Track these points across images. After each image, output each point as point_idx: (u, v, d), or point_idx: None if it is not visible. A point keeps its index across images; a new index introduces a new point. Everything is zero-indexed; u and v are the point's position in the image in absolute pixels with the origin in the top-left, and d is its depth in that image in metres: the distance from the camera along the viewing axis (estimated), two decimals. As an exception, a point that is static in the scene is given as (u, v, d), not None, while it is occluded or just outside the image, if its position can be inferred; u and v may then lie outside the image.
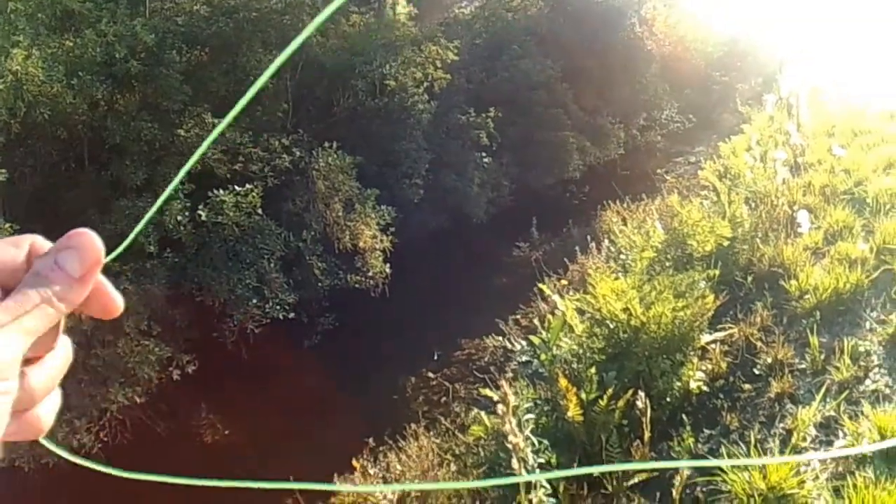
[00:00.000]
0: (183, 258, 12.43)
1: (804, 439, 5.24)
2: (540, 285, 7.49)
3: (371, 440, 6.77)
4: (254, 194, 12.53)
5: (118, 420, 10.86)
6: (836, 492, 4.51)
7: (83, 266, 0.69)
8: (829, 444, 5.23)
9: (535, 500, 4.30)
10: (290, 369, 11.83)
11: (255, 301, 12.34)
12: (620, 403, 5.35)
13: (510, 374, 6.89)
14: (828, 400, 5.58)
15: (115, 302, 0.75)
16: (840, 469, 4.87)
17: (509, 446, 4.13)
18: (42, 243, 0.71)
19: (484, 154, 19.12)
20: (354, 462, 5.55)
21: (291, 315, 12.69)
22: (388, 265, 14.05)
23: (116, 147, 12.24)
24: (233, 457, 10.37)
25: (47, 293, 0.67)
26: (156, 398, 10.93)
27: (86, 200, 12.00)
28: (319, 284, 13.57)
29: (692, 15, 34.22)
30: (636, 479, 5.15)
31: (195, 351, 11.37)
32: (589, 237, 11.33)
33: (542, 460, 4.49)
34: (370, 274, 14.04)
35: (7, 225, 10.22)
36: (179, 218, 12.02)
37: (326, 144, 14.68)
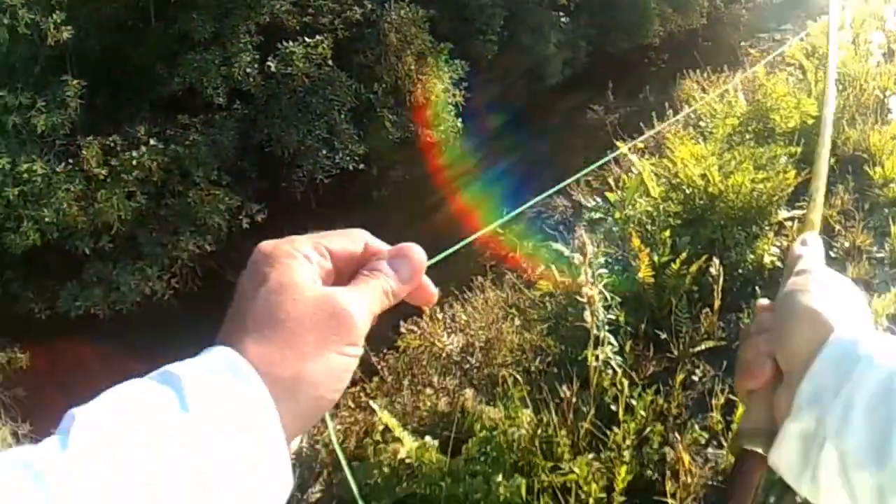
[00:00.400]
0: (252, 110, 12.44)
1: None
2: (617, 143, 7.31)
3: (438, 290, 6.78)
4: (324, 45, 12.39)
5: (189, 268, 11.12)
6: None
7: (411, 274, 0.86)
8: (901, 336, 5.13)
9: (601, 357, 4.30)
10: (358, 220, 11.87)
11: (324, 151, 12.36)
12: (693, 268, 5.28)
13: (580, 234, 6.83)
14: (902, 295, 5.44)
15: (432, 295, 0.93)
16: None
17: (581, 298, 4.10)
18: (373, 241, 0.88)
19: (561, 14, 18.54)
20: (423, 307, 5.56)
21: (361, 166, 12.70)
22: (459, 120, 13.86)
23: (183, 2, 12.05)
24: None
25: (387, 287, 0.82)
26: (226, 246, 11.12)
27: (153, 56, 11.97)
28: (390, 137, 13.49)
29: None
30: (703, 347, 5.12)
31: (264, 200, 11.48)
32: (667, 104, 10.95)
33: (611, 316, 4.46)
34: (441, 128, 13.88)
35: (75, 82, 10.26)
36: (248, 70, 11.97)
37: (398, -4, 14.35)
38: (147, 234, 11.02)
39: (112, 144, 10.58)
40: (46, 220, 9.76)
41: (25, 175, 9.73)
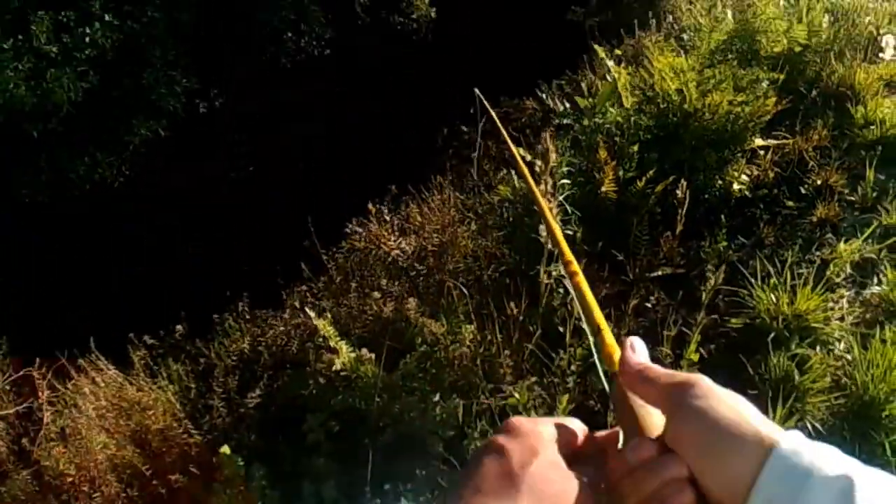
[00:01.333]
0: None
1: (838, 275, 5.00)
2: (595, 47, 6.97)
3: (394, 187, 6.50)
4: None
5: (140, 154, 10.68)
6: (863, 340, 4.29)
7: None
8: (863, 286, 5.01)
9: (554, 273, 4.07)
10: (319, 107, 11.47)
11: (290, 34, 11.78)
12: (658, 188, 5.02)
13: (547, 138, 6.54)
14: (871, 240, 5.29)
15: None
16: (869, 316, 4.68)
17: (538, 209, 3.83)
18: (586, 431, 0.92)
19: None
20: (369, 205, 5.30)
21: (327, 52, 12.17)
22: (433, 9, 13.27)
23: None
24: (259, 184, 10.30)
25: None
26: (181, 131, 10.66)
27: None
28: (359, 22, 12.89)
29: None
30: (660, 272, 4.92)
31: (223, 84, 11.00)
32: (650, 13, 10.57)
33: (568, 232, 4.20)
34: (414, 16, 13.28)
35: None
36: (214, -59, 11.28)
37: None
38: (94, 117, 10.50)
39: (65, 20, 9.97)
40: (-7, 100, 9.25)
41: (-31, 51, 9.22)
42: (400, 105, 11.50)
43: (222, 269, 8.30)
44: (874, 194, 5.94)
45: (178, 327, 5.33)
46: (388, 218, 5.30)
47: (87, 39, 9.89)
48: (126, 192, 10.15)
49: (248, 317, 5.51)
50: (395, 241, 4.97)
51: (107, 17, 10.09)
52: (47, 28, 9.71)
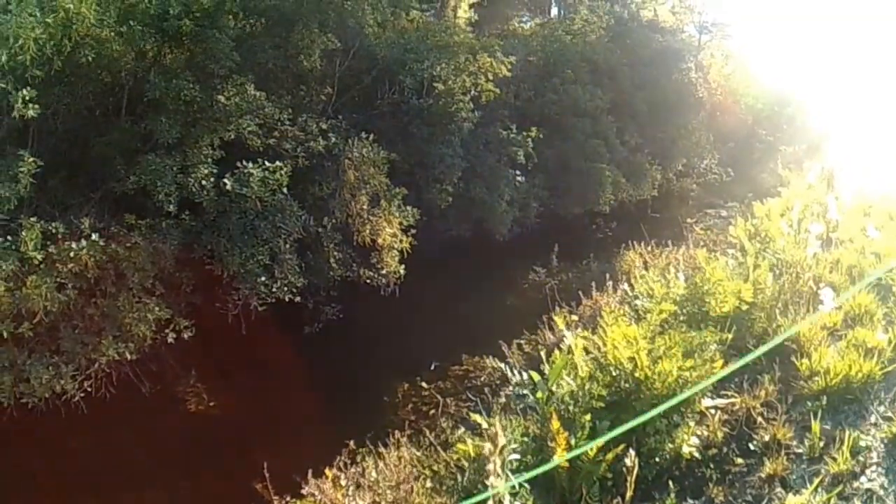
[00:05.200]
0: (200, 223, 12.29)
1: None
2: (554, 316, 7.34)
3: (352, 442, 6.64)
4: (282, 172, 12.38)
5: (105, 373, 10.76)
6: None
7: None
8: (815, 538, 5.09)
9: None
10: (286, 353, 11.71)
11: (263, 278, 12.19)
12: (609, 456, 5.20)
13: (503, 400, 6.77)
14: (820, 491, 5.42)
15: None
16: None
17: (489, 484, 3.99)
18: None
19: (518, 172, 18.93)
20: (327, 471, 5.43)
21: (297, 299, 12.55)
22: (402, 266, 13.89)
23: (154, 102, 12.07)
24: (212, 429, 10.27)
25: None
26: (147, 357, 10.82)
27: (114, 149, 11.88)
28: (331, 273, 13.42)
29: (748, 69, 34.09)
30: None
31: (195, 317, 11.24)
32: (608, 275, 11.20)
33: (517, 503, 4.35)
34: (384, 272, 13.85)
35: (31, 159, 10.13)
36: (204, 182, 11.90)
37: (364, 135, 14.56)
38: (70, 329, 10.65)
39: (54, 231, 10.32)
40: (-29, 294, 9.41)
41: (-41, 244, 9.49)
42: (359, 358, 11.80)
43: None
44: (821, 444, 6.07)
45: None
46: (343, 483, 5.40)
47: (73, 254, 10.18)
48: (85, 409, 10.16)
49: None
50: (349, 502, 5.06)
51: (94, 236, 10.45)
52: (36, 235, 10.03)
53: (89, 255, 10.40)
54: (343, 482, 5.39)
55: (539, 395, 5.59)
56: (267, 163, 12.41)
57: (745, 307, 8.42)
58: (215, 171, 12.07)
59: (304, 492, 5.36)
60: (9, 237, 10.01)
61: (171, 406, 10.49)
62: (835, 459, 5.77)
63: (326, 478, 5.31)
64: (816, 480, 5.49)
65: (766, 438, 6.33)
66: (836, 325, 8.55)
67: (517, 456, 4.56)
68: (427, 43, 16.81)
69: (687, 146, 26.75)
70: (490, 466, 3.82)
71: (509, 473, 4.12)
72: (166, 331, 11.07)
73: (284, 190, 12.63)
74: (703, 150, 28.16)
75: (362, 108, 16.50)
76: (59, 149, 11.68)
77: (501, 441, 3.83)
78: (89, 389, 10.60)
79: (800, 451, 6.18)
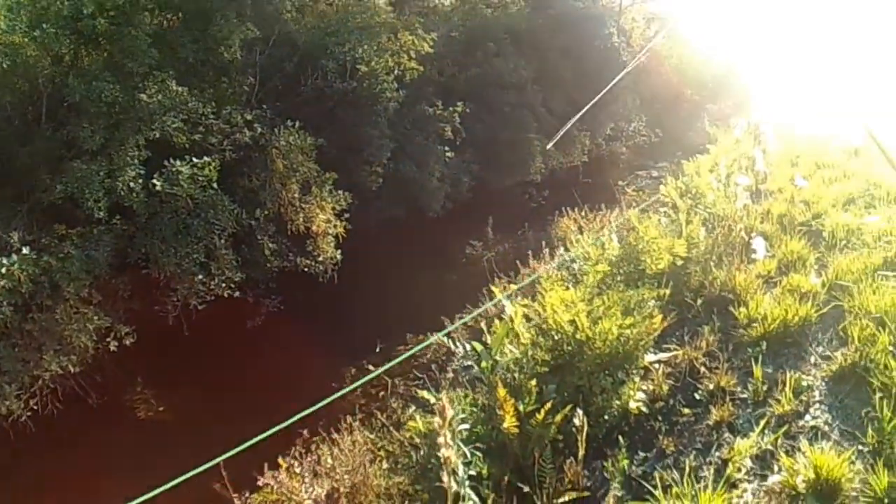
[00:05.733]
0: (132, 226, 12.07)
1: (739, 471, 5.20)
2: (492, 286, 7.39)
3: (305, 431, 6.63)
4: (211, 167, 12.22)
5: (50, 389, 10.55)
6: None
7: None
8: (764, 477, 5.19)
9: (464, 512, 4.21)
10: (230, 349, 11.60)
11: (200, 277, 12.04)
12: (557, 418, 5.28)
13: (451, 375, 6.82)
14: (766, 433, 5.54)
15: None
16: None
17: (440, 456, 4.03)
18: None
19: (447, 148, 18.92)
20: (280, 460, 5.42)
21: (237, 294, 12.43)
22: (339, 251, 13.83)
23: (76, 106, 11.80)
24: (164, 434, 10.15)
25: None
26: (91, 368, 10.65)
27: (38, 158, 11.59)
28: (268, 265, 13.31)
29: (670, 31, 34.46)
30: (567, 497, 5.08)
31: (135, 323, 11.07)
32: (544, 242, 11.28)
33: (472, 472, 4.39)
34: (320, 259, 13.80)
35: (-47, 176, 9.85)
36: (132, 185, 11.67)
37: (290, 123, 14.42)
38: (9, 348, 10.40)
39: (-19, 250, 10.07)
40: None
41: None
42: (303, 347, 11.74)
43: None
44: (765, 388, 6.20)
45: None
46: (298, 470, 5.39)
47: (4, 270, 9.91)
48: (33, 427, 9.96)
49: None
50: (306, 490, 5.06)
51: (24, 251, 10.19)
52: None
53: (21, 269, 10.15)
54: (298, 470, 5.37)
55: (483, 364, 5.63)
56: (195, 159, 12.25)
57: (679, 262, 8.54)
58: (143, 172, 11.86)
59: (259, 483, 5.35)
60: (-68, 262, 9.73)
61: (120, 415, 10.32)
62: (778, 401, 5.90)
63: (281, 467, 5.29)
64: (762, 423, 5.61)
65: (711, 387, 6.43)
66: (771, 272, 8.73)
67: (467, 426, 4.60)
68: (348, 25, 16.64)
69: (614, 110, 26.99)
70: (440, 439, 3.86)
71: (460, 443, 4.16)
72: (107, 339, 10.89)
73: (214, 185, 12.47)
74: (630, 112, 28.45)
75: (286, 95, 16.32)
76: (-19, 162, 11.37)
77: (450, 413, 3.85)
78: (35, 407, 10.41)
79: (744, 396, 6.29)
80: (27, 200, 11.53)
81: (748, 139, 14.01)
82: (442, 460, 3.88)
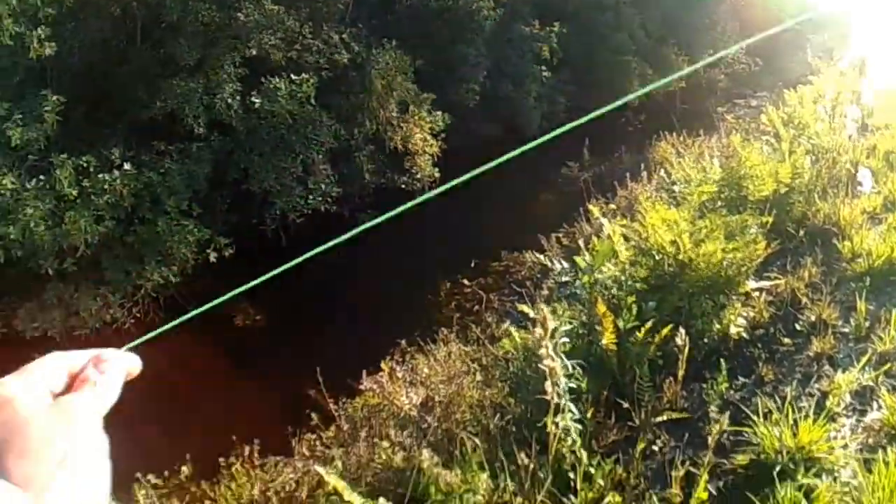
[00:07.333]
0: (231, 142, 12.29)
1: (839, 404, 5.13)
2: (590, 206, 7.32)
3: (403, 342, 6.77)
4: (309, 84, 12.29)
5: (152, 298, 10.93)
6: (867, 464, 4.40)
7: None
8: (863, 413, 5.13)
9: (561, 424, 4.25)
10: (328, 262, 11.78)
11: (299, 191, 12.24)
12: (658, 337, 5.25)
13: (546, 292, 6.82)
14: (867, 369, 5.44)
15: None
16: (871, 441, 4.79)
17: (544, 368, 4.06)
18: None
19: (543, 68, 18.71)
20: (383, 364, 5.53)
21: (334, 208, 12.60)
22: (436, 169, 13.88)
23: (172, 25, 11.97)
24: (261, 341, 10.44)
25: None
26: (191, 278, 10.95)
27: (135, 78, 11.81)
28: (365, 181, 13.46)
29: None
30: (665, 417, 5.08)
31: (234, 235, 11.33)
32: (641, 165, 11.12)
33: (572, 385, 4.41)
34: (418, 176, 13.91)
35: (54, 98, 10.11)
36: (231, 101, 11.83)
37: (386, 42, 14.36)
38: (112, 259, 10.78)
39: (85, 165, 10.31)
40: (12, 237, 9.53)
41: (-5, 188, 9.56)
42: (398, 259, 11.86)
43: (229, 415, 8.40)
44: (867, 324, 6.11)
45: (184, 468, 5.46)
46: (399, 375, 5.50)
47: (107, 186, 10.24)
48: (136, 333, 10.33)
49: (255, 462, 5.57)
50: (406, 396, 5.17)
51: (126, 166, 10.49)
52: (69, 172, 10.08)
53: (123, 184, 10.47)
54: (399, 375, 5.49)
55: (585, 278, 5.61)
56: (292, 76, 12.33)
57: (783, 191, 8.34)
58: (240, 89, 12.01)
59: (361, 387, 5.48)
60: (41, 177, 10.07)
61: (218, 323, 10.63)
62: (881, 338, 5.80)
63: (383, 371, 5.40)
64: (864, 359, 5.49)
65: (812, 319, 6.36)
66: (876, 209, 8.49)
67: (567, 339, 4.61)
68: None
69: (713, 36, 26.14)
70: (542, 350, 3.88)
71: (563, 356, 4.17)
72: (207, 250, 11.19)
73: (313, 102, 12.56)
74: (729, 39, 27.44)
75: (381, 13, 16.23)
76: (80, 84, 11.61)
77: (551, 325, 3.87)
78: (138, 315, 10.81)
79: (845, 330, 6.21)
80: (125, 119, 11.81)
81: (853, 72, 13.40)
82: (547, 371, 3.91)
